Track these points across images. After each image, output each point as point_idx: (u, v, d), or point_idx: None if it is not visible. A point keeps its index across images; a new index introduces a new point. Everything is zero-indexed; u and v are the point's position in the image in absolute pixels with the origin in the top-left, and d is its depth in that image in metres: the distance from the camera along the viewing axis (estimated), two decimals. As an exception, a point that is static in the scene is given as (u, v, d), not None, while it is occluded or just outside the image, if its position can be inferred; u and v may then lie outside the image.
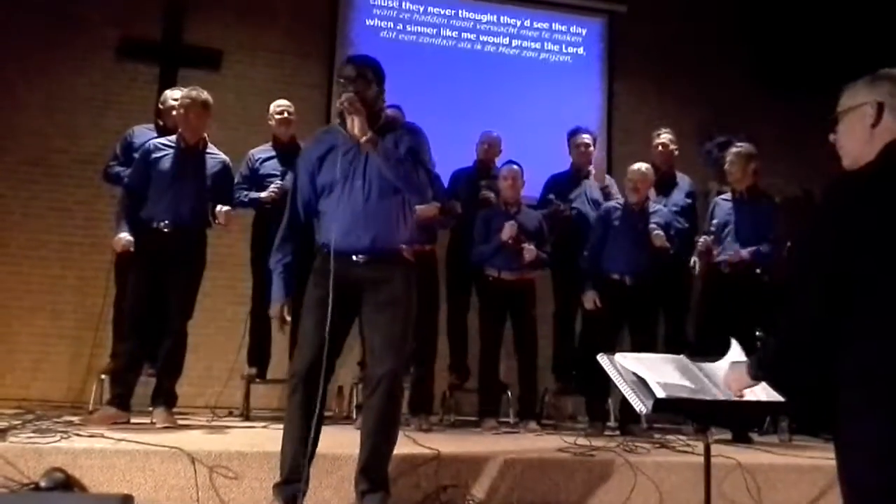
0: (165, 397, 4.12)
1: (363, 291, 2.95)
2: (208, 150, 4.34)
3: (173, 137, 4.29)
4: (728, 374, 2.23)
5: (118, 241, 4.28)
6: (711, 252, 4.79)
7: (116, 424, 3.85)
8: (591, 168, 5.48)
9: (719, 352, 2.60)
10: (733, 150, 4.95)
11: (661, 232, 4.71)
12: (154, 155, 4.20)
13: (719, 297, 4.77)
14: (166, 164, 4.18)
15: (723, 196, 5.04)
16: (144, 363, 4.36)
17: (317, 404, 2.78)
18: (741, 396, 2.23)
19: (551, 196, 5.31)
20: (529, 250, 4.76)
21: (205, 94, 4.29)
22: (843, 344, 1.72)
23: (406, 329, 2.95)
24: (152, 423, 4.00)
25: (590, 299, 4.78)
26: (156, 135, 4.60)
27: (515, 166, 4.97)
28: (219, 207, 4.19)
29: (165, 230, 4.10)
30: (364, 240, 2.92)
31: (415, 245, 3.19)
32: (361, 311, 2.99)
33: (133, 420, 4.07)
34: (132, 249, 4.20)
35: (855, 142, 1.84)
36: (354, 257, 2.92)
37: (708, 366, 2.66)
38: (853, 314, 1.71)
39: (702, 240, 4.80)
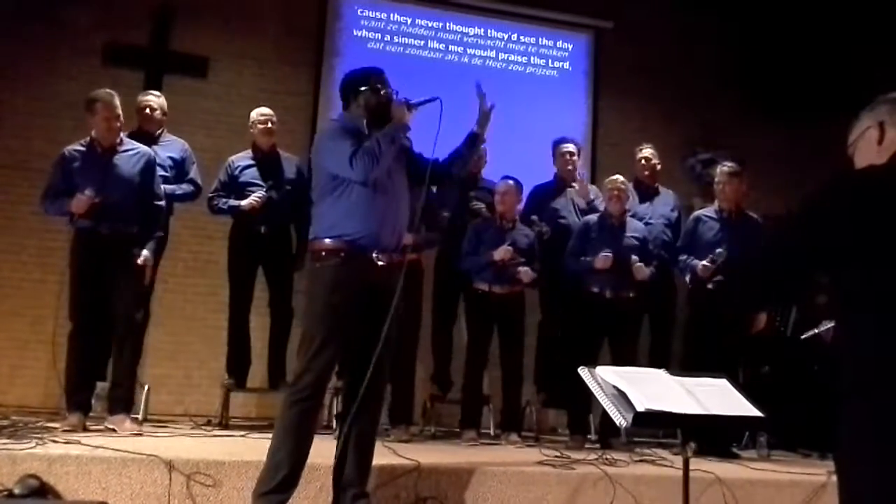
0: (125, 402, 4.11)
1: (384, 299, 2.98)
2: (124, 148, 4.24)
3: (86, 141, 4.21)
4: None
5: (79, 201, 4.00)
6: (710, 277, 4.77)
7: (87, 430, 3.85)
8: (576, 182, 5.52)
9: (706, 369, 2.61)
10: (726, 169, 4.97)
11: (641, 265, 4.73)
12: (71, 165, 4.14)
13: (707, 315, 4.79)
14: (83, 172, 4.11)
15: (705, 213, 5.06)
16: (101, 368, 4.35)
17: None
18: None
19: (534, 217, 5.32)
20: (526, 273, 4.77)
21: (117, 98, 4.21)
22: (844, 356, 1.77)
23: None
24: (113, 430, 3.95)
25: (601, 260, 4.68)
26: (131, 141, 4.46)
27: (511, 181, 4.95)
28: (143, 252, 4.16)
29: (104, 232, 4.06)
30: (393, 238, 3.06)
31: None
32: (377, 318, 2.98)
33: (108, 426, 4.06)
34: (97, 200, 4.01)
35: (867, 162, 1.93)
36: (380, 261, 3.01)
37: (688, 380, 2.68)
38: (851, 326, 1.77)
39: (701, 265, 4.77)
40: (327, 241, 3.00)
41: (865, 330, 1.73)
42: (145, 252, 4.17)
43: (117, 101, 4.19)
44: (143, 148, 4.34)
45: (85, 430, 3.90)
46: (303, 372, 2.92)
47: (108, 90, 4.24)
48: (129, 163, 4.21)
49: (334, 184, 3.03)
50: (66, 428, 3.83)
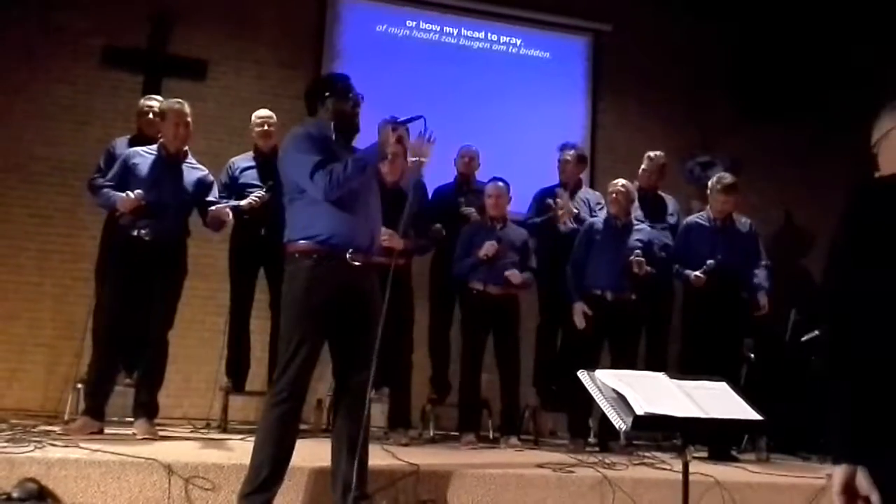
0: (147, 408, 4.09)
1: (360, 299, 3.04)
2: (188, 161, 4.33)
3: (154, 146, 4.28)
4: None
5: (127, 199, 4.01)
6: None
7: (93, 434, 3.83)
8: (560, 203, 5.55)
9: (702, 371, 2.61)
10: (719, 187, 4.94)
11: (642, 259, 4.73)
12: (133, 161, 4.19)
13: (703, 317, 4.82)
14: (145, 171, 4.16)
15: (697, 220, 5.07)
16: (119, 373, 4.35)
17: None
18: None
19: (549, 201, 5.32)
20: (513, 275, 4.75)
21: (188, 106, 4.31)
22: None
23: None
24: (133, 434, 3.95)
25: (578, 311, 4.74)
26: (136, 144, 4.56)
27: (501, 184, 4.95)
28: (217, 206, 4.21)
29: (146, 238, 4.07)
30: (366, 238, 3.08)
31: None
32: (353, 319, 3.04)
33: (111, 430, 4.05)
34: (143, 203, 4.03)
35: (893, 163, 1.88)
36: (355, 261, 3.01)
37: (688, 383, 2.68)
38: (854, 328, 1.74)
39: (694, 276, 4.80)
40: (301, 242, 3.02)
41: (866, 332, 1.73)
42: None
43: (188, 109, 4.30)
44: (204, 169, 4.40)
45: (89, 434, 3.86)
46: (281, 374, 2.95)
47: (179, 100, 4.36)
48: (188, 175, 4.27)
49: (301, 188, 3.05)
50: (72, 429, 3.85)
